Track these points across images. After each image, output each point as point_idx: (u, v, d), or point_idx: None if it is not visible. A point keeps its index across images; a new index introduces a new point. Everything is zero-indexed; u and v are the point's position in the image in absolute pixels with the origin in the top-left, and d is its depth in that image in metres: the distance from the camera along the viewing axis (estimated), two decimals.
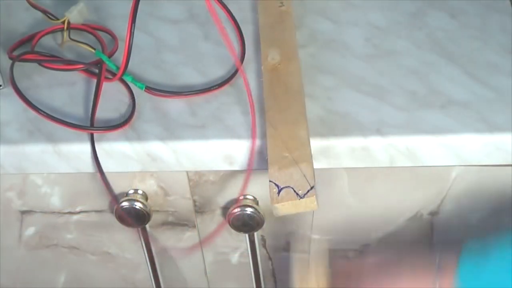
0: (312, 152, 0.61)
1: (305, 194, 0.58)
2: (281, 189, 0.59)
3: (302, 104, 0.65)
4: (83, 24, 0.77)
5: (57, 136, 0.67)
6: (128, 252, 0.81)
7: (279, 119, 0.64)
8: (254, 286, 0.82)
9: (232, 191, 0.73)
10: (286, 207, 0.58)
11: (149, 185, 0.73)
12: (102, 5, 0.81)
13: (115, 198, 0.67)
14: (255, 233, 0.75)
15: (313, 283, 0.69)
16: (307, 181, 0.59)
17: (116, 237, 0.79)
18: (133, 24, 0.67)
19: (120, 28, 0.76)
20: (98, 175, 0.66)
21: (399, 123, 0.66)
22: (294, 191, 0.58)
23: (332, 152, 0.65)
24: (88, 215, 0.77)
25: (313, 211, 0.74)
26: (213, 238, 0.66)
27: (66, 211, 0.76)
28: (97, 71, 0.71)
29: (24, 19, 0.80)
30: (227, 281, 0.84)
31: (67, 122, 0.67)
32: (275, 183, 0.59)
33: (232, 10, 0.76)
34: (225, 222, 0.71)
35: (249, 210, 0.71)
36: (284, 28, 0.74)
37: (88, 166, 0.67)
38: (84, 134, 0.66)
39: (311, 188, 0.58)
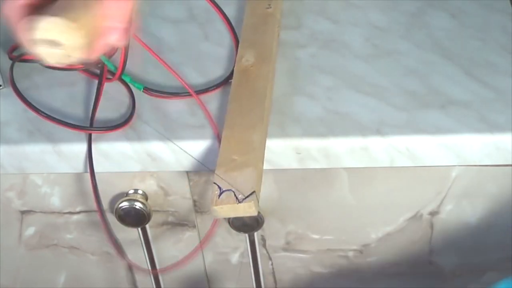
0: (265, 156, 0.61)
1: (244, 199, 0.57)
2: (223, 191, 0.58)
3: (264, 109, 0.64)
4: None
5: (57, 136, 0.67)
6: (128, 252, 0.81)
7: (238, 122, 0.64)
8: (254, 286, 0.82)
9: None
10: (224, 210, 0.58)
11: (149, 185, 0.73)
12: None
13: (99, 202, 0.67)
14: (255, 233, 0.75)
15: None
16: (249, 186, 0.58)
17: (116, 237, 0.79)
18: None
19: None
20: (89, 176, 0.67)
21: (399, 123, 0.66)
22: (235, 195, 0.58)
23: (331, 152, 0.65)
24: (88, 215, 0.77)
25: (314, 211, 0.74)
26: (210, 237, 0.66)
27: (66, 211, 0.76)
28: (97, 71, 0.71)
29: None
30: (227, 281, 0.84)
31: (66, 122, 0.67)
32: (218, 185, 0.59)
33: (227, 12, 0.76)
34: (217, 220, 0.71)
35: None
36: (266, 31, 0.72)
37: (87, 166, 0.67)
38: (84, 134, 0.66)
39: (252, 193, 0.58)
